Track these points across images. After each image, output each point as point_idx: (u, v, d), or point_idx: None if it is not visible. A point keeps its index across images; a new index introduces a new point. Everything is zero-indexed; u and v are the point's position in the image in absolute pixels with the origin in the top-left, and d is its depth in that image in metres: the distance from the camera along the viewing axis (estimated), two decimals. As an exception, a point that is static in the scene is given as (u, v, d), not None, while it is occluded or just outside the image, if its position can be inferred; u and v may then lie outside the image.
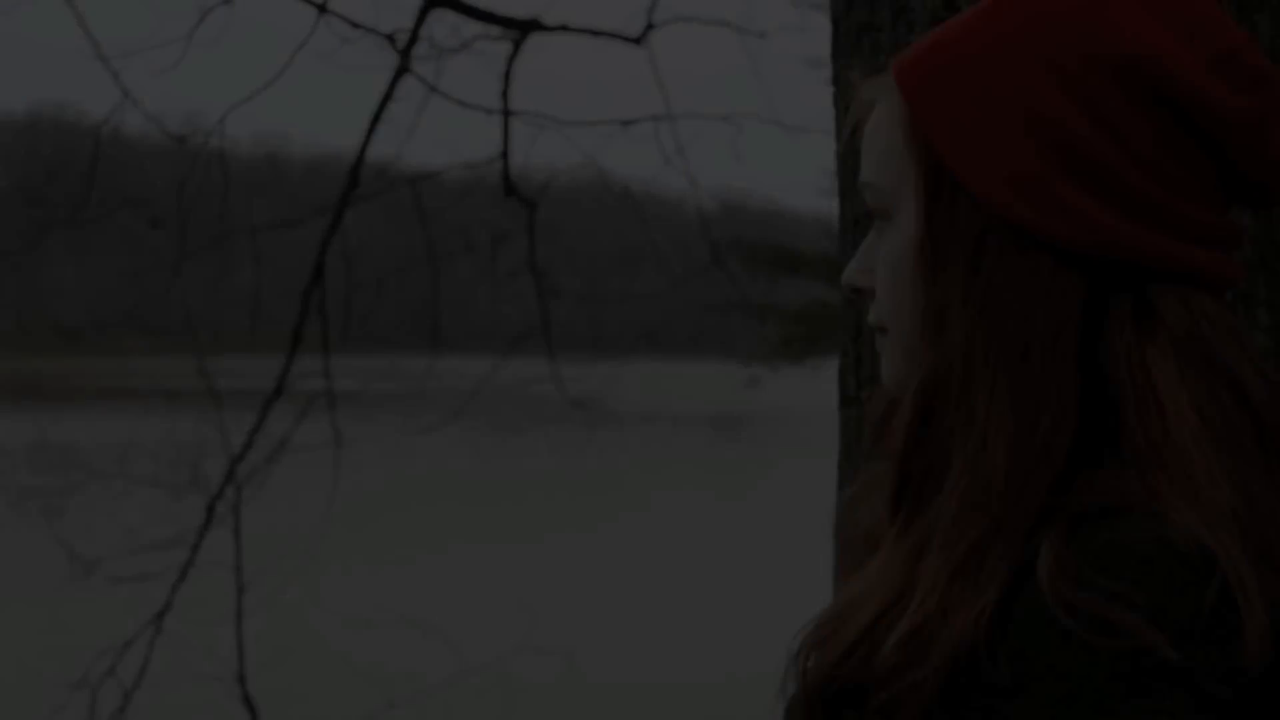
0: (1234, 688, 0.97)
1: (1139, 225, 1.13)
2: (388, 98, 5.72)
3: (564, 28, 5.96)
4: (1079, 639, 0.98)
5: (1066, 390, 1.10)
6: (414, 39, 5.61)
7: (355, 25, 5.43)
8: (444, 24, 6.45)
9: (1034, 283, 1.12)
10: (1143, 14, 1.14)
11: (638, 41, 6.20)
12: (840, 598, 1.18)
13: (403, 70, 5.65)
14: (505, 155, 6.15)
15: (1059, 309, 1.11)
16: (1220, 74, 1.13)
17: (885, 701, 1.06)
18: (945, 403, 1.12)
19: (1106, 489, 1.06)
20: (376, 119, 5.77)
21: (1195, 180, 1.15)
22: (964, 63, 1.16)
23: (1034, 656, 1.00)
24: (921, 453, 1.14)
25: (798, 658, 1.17)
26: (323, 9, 5.25)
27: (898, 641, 1.06)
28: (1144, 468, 1.06)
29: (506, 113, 6.05)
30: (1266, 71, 1.15)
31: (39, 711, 6.21)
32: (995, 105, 1.13)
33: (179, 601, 6.12)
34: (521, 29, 5.91)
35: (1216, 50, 1.14)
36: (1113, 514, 1.03)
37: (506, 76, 6.00)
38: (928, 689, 1.04)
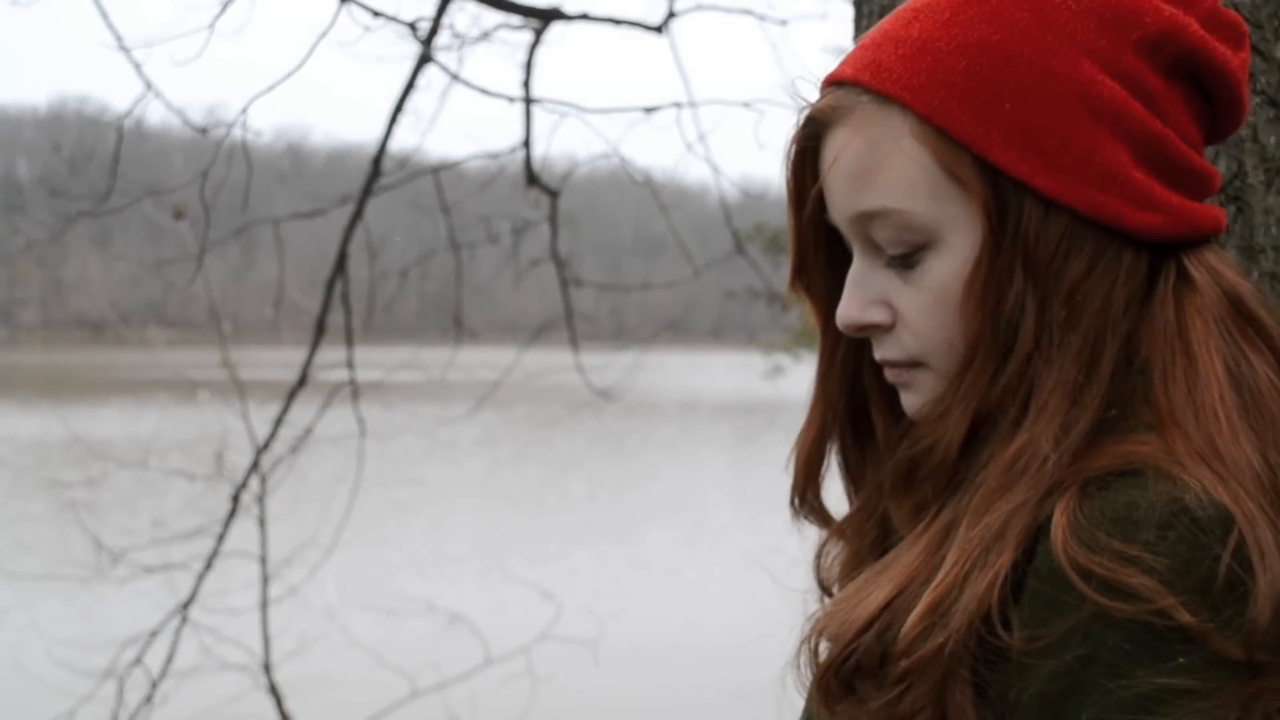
0: (1247, 647, 0.97)
1: (1189, 198, 1.14)
2: (410, 87, 5.73)
3: (585, 16, 5.95)
4: (1093, 603, 0.98)
5: (1113, 368, 1.10)
6: (435, 28, 5.61)
7: (377, 14, 5.43)
8: (465, 13, 6.47)
9: (1113, 273, 1.11)
10: None
11: (659, 30, 6.19)
12: (853, 585, 1.16)
13: (425, 59, 5.65)
14: (527, 144, 6.15)
15: (1128, 292, 1.11)
16: (1215, 33, 1.15)
17: (906, 669, 1.06)
18: (1002, 412, 1.11)
19: (1119, 451, 1.05)
20: (398, 109, 5.77)
21: (1203, 138, 1.18)
22: (990, 65, 1.11)
23: (1049, 621, 1.00)
24: (963, 458, 1.13)
25: (806, 642, 1.17)
26: (344, -2, 5.25)
27: (922, 611, 1.06)
28: (1164, 428, 1.06)
29: (528, 101, 6.04)
30: (1238, 21, 1.17)
31: (67, 701, 6.23)
32: (1056, 103, 1.10)
33: (205, 591, 6.15)
34: (543, 18, 5.90)
35: (1204, 12, 1.15)
36: (1125, 476, 1.03)
37: (528, 65, 5.99)
38: (947, 653, 1.04)
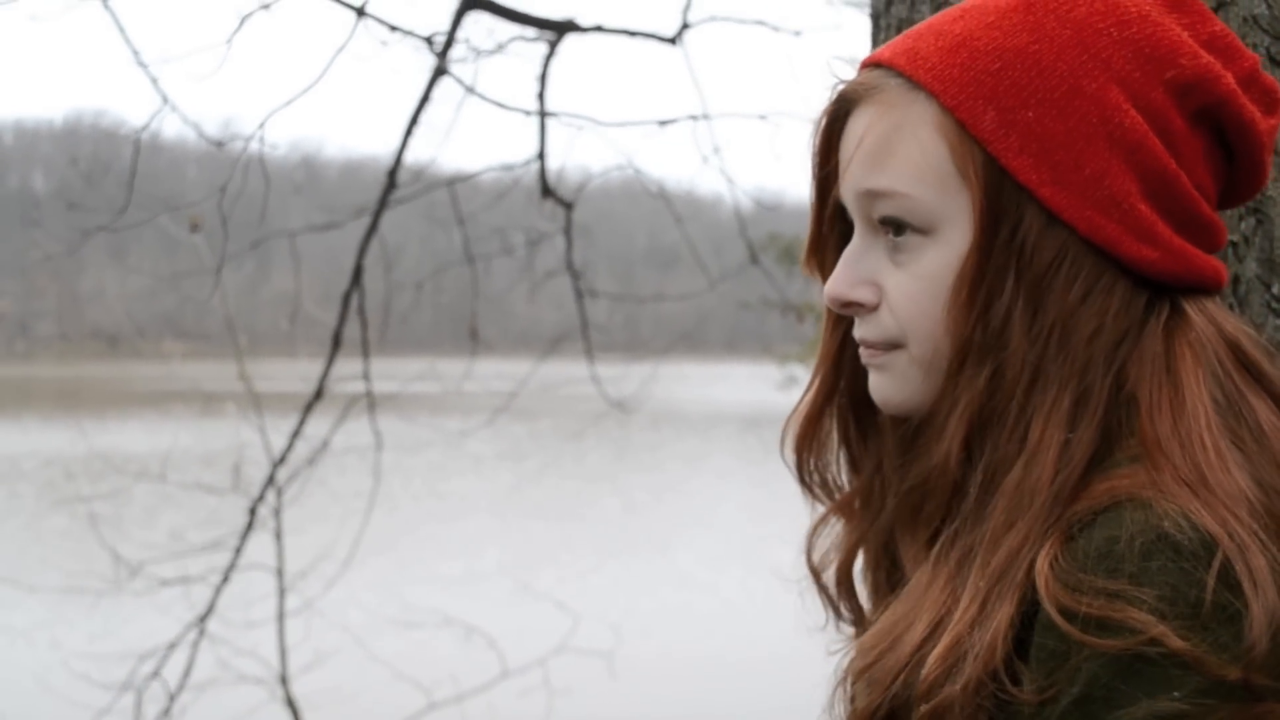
0: (1242, 666, 0.97)
1: (1193, 243, 1.14)
2: (425, 100, 5.74)
3: (599, 28, 5.96)
4: (1085, 643, 0.99)
5: (1105, 400, 1.10)
6: (450, 41, 5.62)
7: (393, 28, 5.44)
8: (480, 26, 6.48)
9: (1106, 302, 1.11)
10: (1183, 33, 1.14)
11: (673, 41, 6.19)
12: (883, 622, 1.16)
13: (440, 72, 5.66)
14: (542, 156, 6.16)
15: (1121, 325, 1.12)
16: (1249, 93, 1.16)
17: (926, 714, 1.06)
18: (998, 424, 1.11)
19: (1102, 490, 1.06)
20: (414, 121, 5.79)
21: (1218, 193, 1.18)
22: (1022, 72, 1.12)
23: (1053, 671, 1.01)
24: (967, 474, 1.13)
25: (841, 684, 1.17)
26: (361, 12, 5.27)
27: (939, 654, 1.06)
28: (1150, 458, 1.06)
29: (543, 114, 6.05)
30: (1275, 88, 1.18)
31: (85, 714, 6.25)
32: (1078, 122, 1.10)
33: (222, 604, 6.16)
34: (557, 30, 5.91)
35: (1243, 71, 1.16)
36: (1105, 512, 1.04)
37: (543, 78, 6.00)
38: (960, 705, 1.04)
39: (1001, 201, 1.11)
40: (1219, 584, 0.98)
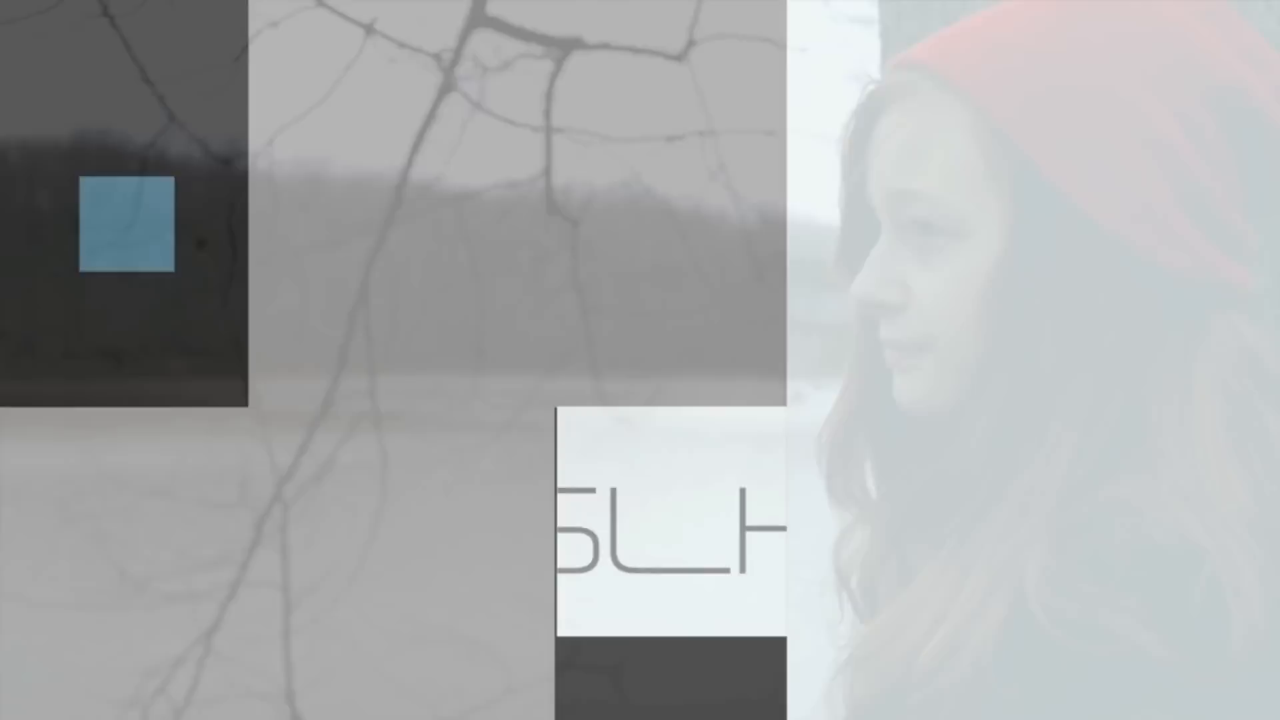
0: (1223, 680, 0.98)
1: (1225, 255, 1.13)
2: (432, 117, 5.75)
3: (605, 45, 5.97)
4: (1067, 648, 0.99)
5: (1120, 405, 1.10)
6: (457, 58, 5.64)
7: (401, 45, 5.46)
8: (486, 43, 6.50)
9: (1134, 309, 1.10)
10: (1221, 41, 1.14)
11: (679, 58, 6.20)
12: (888, 615, 1.16)
13: (447, 89, 5.68)
14: (548, 173, 6.17)
15: (1144, 332, 1.11)
16: None
17: (918, 703, 1.06)
18: (1021, 426, 1.11)
19: (1100, 499, 1.06)
20: (420, 138, 5.80)
21: (1247, 202, 1.16)
22: (1058, 76, 1.11)
23: (1037, 673, 1.01)
24: (988, 472, 1.12)
25: (842, 673, 1.17)
26: (369, 29, 5.29)
27: (936, 645, 1.07)
28: (1151, 467, 1.06)
29: (549, 130, 6.06)
30: None
31: (91, 730, 6.24)
32: (1113, 125, 1.10)
33: (228, 620, 6.15)
34: (563, 47, 5.93)
35: (1276, 81, 1.15)
36: (1099, 518, 1.04)
37: (549, 94, 6.01)
38: (952, 699, 1.04)
39: (1033, 201, 1.10)
40: (1205, 596, 0.98)
